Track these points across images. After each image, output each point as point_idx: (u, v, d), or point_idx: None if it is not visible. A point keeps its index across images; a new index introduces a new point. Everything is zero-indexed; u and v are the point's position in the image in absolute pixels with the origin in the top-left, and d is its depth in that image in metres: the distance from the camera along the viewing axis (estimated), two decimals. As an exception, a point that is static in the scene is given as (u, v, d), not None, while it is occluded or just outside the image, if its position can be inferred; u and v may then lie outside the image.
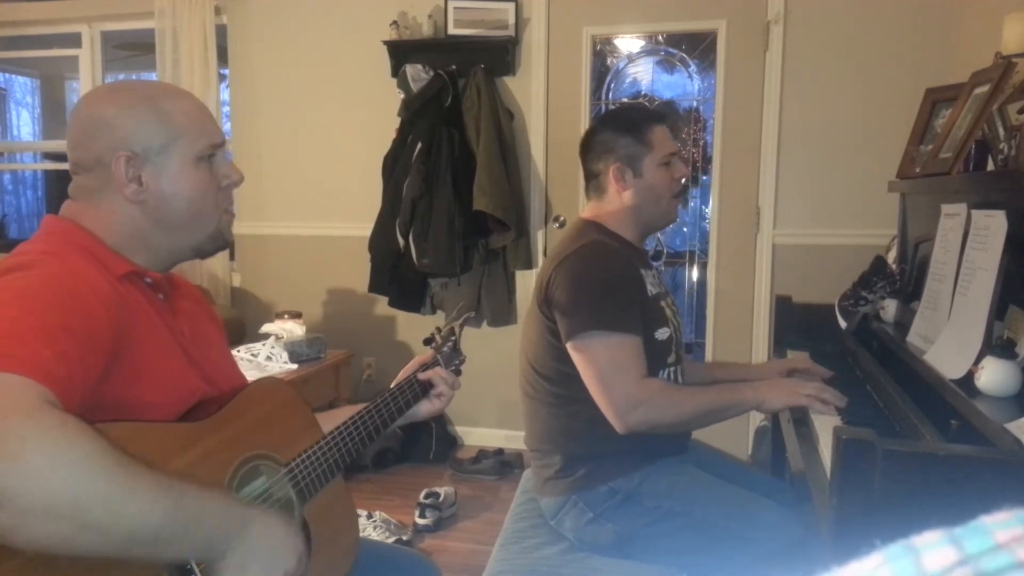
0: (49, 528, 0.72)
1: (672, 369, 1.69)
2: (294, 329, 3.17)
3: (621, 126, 1.72)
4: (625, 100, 3.53)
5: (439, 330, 1.48)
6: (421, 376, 1.35)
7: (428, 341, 1.46)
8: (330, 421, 1.21)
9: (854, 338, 1.99)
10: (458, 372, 1.47)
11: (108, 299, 0.93)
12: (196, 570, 0.88)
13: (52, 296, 0.87)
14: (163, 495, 0.79)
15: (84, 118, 1.04)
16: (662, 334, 1.65)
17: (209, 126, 1.09)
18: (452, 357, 1.45)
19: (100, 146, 1.02)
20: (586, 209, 1.79)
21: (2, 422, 0.72)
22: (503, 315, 3.55)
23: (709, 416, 1.58)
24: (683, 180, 1.76)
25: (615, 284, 1.59)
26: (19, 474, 0.71)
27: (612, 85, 3.54)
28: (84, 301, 0.89)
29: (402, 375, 1.36)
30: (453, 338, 1.48)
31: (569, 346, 1.58)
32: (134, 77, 5.31)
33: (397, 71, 3.46)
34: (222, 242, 1.14)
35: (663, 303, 1.70)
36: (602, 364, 1.54)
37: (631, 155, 1.69)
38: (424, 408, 1.35)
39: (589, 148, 1.75)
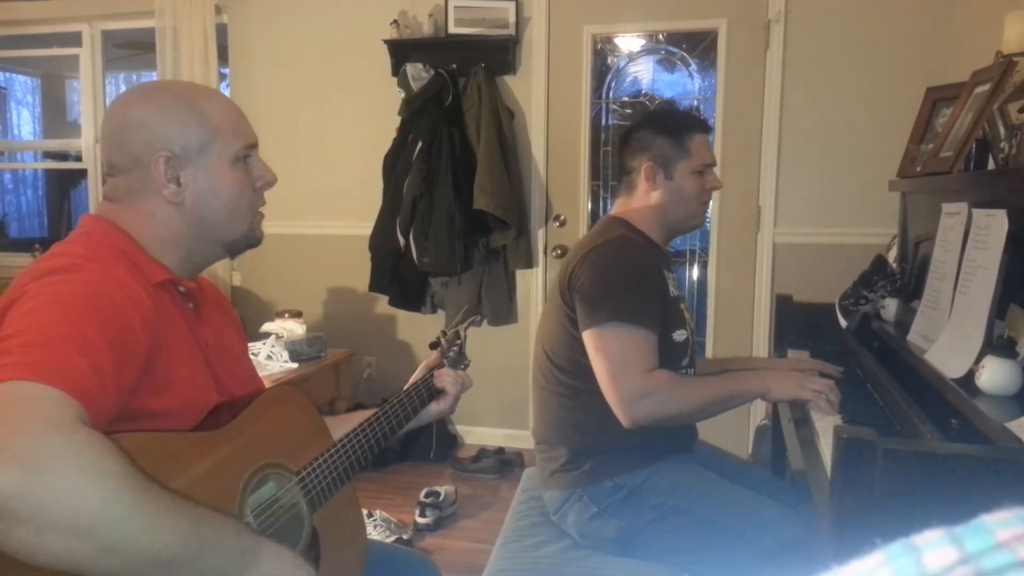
0: (69, 547, 0.71)
1: (685, 372, 1.69)
2: (294, 328, 3.18)
3: (662, 127, 1.72)
4: (626, 99, 3.53)
5: (444, 333, 1.48)
6: (436, 383, 1.36)
7: (434, 345, 1.46)
8: (340, 427, 1.20)
9: (855, 337, 1.99)
10: None
11: (145, 311, 0.92)
12: None
13: (91, 306, 0.86)
14: (183, 520, 0.79)
15: (121, 119, 1.03)
16: (679, 336, 1.65)
17: (244, 127, 1.10)
18: (457, 361, 1.45)
19: (138, 147, 1.01)
20: (615, 206, 1.80)
21: (31, 436, 0.71)
22: (503, 314, 3.55)
23: (715, 406, 1.58)
24: (713, 191, 1.75)
25: (638, 278, 1.59)
26: (44, 490, 0.70)
27: (612, 84, 3.54)
28: (123, 313, 0.88)
29: (411, 383, 1.36)
30: (459, 342, 1.47)
31: (585, 335, 1.58)
32: (134, 77, 5.32)
33: (397, 70, 3.47)
34: (254, 240, 1.14)
35: (681, 306, 1.72)
36: (613, 355, 1.54)
37: (666, 157, 1.69)
38: (433, 408, 1.36)
39: (627, 143, 1.75)
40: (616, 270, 1.60)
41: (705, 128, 1.74)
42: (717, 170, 1.77)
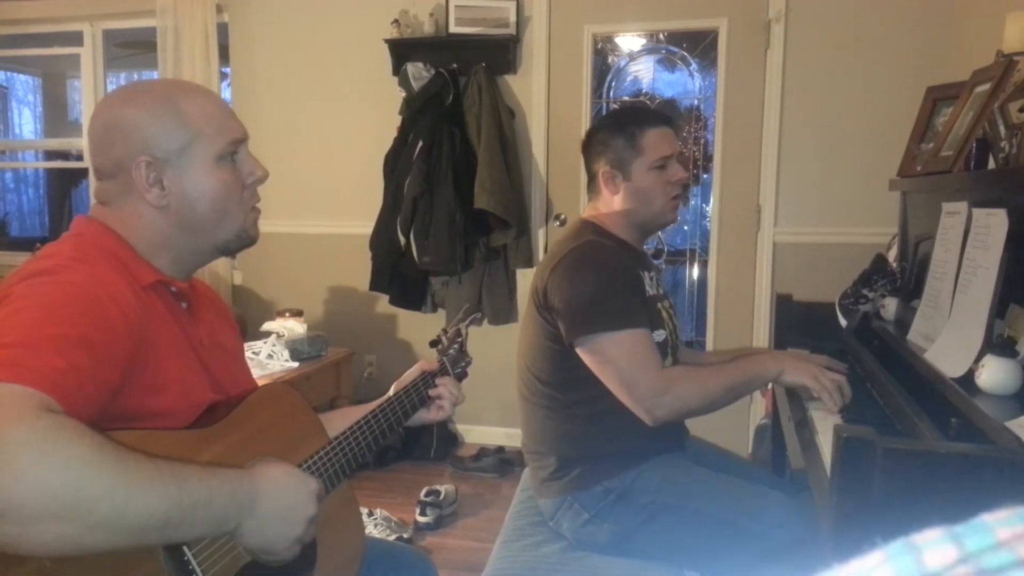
0: (56, 532, 0.72)
1: None
2: (295, 327, 3.18)
3: (614, 127, 1.70)
4: (626, 98, 3.54)
5: (445, 331, 1.46)
6: (432, 392, 1.34)
7: (434, 343, 1.45)
8: (334, 424, 1.19)
9: (855, 336, 1.99)
10: (464, 375, 1.45)
11: (131, 311, 0.92)
12: (190, 556, 0.88)
13: (74, 306, 0.86)
14: (167, 482, 0.79)
15: (103, 123, 1.03)
16: (658, 336, 1.63)
17: (229, 123, 1.07)
18: (458, 359, 1.44)
19: (120, 152, 1.01)
20: (587, 208, 1.79)
21: None
22: (504, 313, 3.55)
23: (733, 391, 1.56)
24: (680, 183, 1.71)
25: (614, 281, 1.58)
26: (18, 483, 0.70)
27: (613, 83, 3.54)
28: (106, 313, 0.88)
29: (405, 379, 1.35)
30: (460, 340, 1.46)
31: (578, 350, 1.57)
32: (135, 76, 5.31)
33: (398, 69, 3.47)
34: (248, 240, 1.12)
35: (660, 305, 1.70)
36: (619, 362, 1.53)
37: (620, 158, 1.66)
38: (424, 417, 1.35)
39: (588, 148, 1.74)
40: (590, 278, 1.57)
41: (660, 120, 1.69)
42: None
